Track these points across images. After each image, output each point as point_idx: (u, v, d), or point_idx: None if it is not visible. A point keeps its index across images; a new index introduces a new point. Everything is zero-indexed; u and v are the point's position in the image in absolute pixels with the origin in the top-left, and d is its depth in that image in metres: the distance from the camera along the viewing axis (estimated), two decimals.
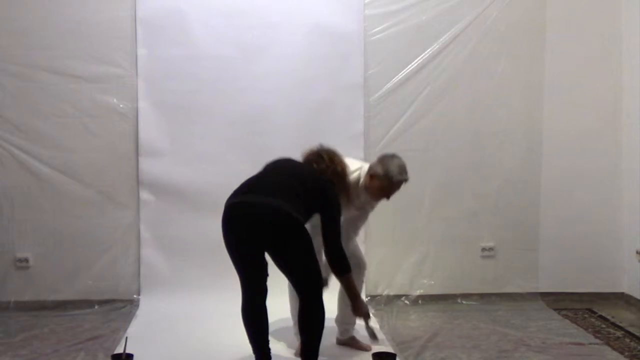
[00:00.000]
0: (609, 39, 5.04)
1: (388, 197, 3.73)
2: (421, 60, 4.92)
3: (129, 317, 4.57)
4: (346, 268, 3.48)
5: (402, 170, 3.69)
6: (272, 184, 3.37)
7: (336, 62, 4.86)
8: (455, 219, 5.02)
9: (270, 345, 3.51)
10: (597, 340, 4.20)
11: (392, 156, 3.75)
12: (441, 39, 4.92)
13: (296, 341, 3.95)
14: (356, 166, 3.80)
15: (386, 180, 3.66)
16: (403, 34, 4.91)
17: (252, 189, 3.38)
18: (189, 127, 4.76)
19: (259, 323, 3.45)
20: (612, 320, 4.64)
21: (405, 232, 5.01)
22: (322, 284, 3.42)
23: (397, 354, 3.78)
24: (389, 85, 4.93)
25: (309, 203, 3.38)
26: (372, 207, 3.95)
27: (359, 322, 3.80)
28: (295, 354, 3.86)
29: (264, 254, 3.38)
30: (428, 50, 4.92)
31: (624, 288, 5.09)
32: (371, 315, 3.91)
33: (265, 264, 3.41)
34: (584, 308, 4.93)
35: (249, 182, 3.43)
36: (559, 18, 4.99)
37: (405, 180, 3.70)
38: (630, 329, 4.42)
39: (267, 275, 3.43)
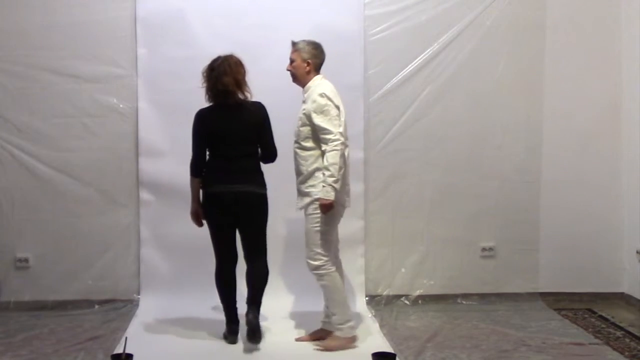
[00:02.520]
0: (609, 39, 5.03)
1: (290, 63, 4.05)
2: (421, 60, 4.92)
3: (128, 317, 4.57)
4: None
5: None
6: (241, 170, 3.94)
7: (336, 62, 4.82)
8: (455, 219, 5.02)
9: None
10: (597, 340, 4.19)
11: None
12: (441, 39, 4.91)
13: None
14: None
15: None
16: (403, 34, 4.91)
17: (228, 179, 3.91)
18: (189, 127, 4.71)
19: (231, 285, 4.08)
20: (612, 320, 4.64)
21: (405, 232, 5.01)
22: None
23: (397, 354, 3.78)
24: (389, 85, 4.92)
25: (257, 141, 4.05)
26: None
27: None
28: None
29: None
30: (428, 50, 4.91)
31: (624, 288, 5.09)
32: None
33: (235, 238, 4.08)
34: (584, 308, 4.92)
35: (223, 171, 3.94)
36: (559, 18, 4.99)
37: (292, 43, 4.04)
38: (630, 329, 4.42)
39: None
